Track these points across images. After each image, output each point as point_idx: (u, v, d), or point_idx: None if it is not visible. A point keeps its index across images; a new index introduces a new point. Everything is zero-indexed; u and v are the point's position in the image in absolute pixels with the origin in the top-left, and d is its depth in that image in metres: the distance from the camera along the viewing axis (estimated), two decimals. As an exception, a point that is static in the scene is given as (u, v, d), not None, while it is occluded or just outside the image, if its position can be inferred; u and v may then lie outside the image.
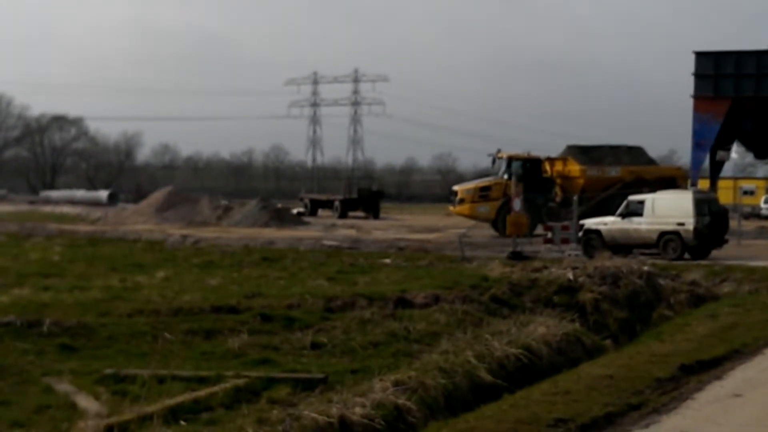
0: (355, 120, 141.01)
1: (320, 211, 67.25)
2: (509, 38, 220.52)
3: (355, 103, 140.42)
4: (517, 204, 30.88)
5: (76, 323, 14.00)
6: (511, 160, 42.61)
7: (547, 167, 43.24)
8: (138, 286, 19.44)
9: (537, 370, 13.49)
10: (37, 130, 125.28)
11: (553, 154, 44.64)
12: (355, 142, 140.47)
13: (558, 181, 43.09)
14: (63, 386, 10.66)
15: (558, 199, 42.67)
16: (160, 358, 12.19)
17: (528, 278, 21.26)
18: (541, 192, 41.47)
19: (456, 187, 45.08)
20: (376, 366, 11.98)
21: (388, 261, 27.33)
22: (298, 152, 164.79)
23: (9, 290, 17.94)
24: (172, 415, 9.43)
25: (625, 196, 37.29)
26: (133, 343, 13.31)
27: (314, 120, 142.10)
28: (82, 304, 16.13)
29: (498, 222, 39.96)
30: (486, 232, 41.12)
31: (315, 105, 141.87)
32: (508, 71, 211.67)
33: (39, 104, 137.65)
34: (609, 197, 39.48)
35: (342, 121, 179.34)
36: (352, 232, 43.55)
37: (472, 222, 45.42)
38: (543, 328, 15.21)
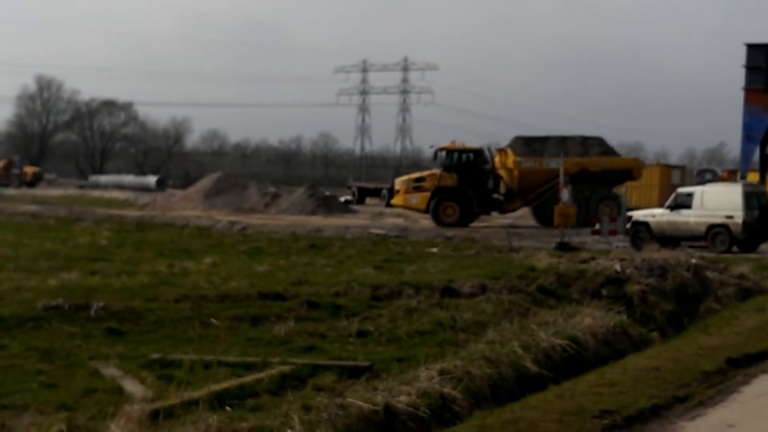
0: (404, 108, 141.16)
1: (368, 200, 67.41)
2: (557, 30, 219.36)
3: (404, 92, 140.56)
4: (564, 195, 30.71)
5: (124, 308, 14.11)
6: (447, 152, 42.86)
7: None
8: (185, 271, 19.55)
9: (583, 362, 13.41)
10: (86, 114, 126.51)
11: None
12: (404, 130, 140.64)
13: (501, 173, 43.10)
14: (110, 370, 10.75)
15: (503, 190, 42.97)
16: (206, 344, 12.29)
17: (575, 269, 21.12)
18: (477, 184, 41.54)
19: (396, 180, 45.73)
20: (421, 355, 11.96)
21: (435, 250, 27.30)
22: (347, 140, 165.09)
23: (57, 274, 18.13)
24: (218, 400, 9.46)
25: (575, 188, 36.97)
26: (179, 329, 13.38)
27: (363, 108, 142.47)
28: (130, 289, 16.26)
29: (429, 211, 41.24)
30: (533, 222, 41.03)
31: (364, 93, 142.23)
32: (556, 63, 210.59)
33: (89, 89, 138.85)
34: (551, 189, 39.29)
35: (391, 110, 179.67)
36: (399, 221, 43.54)
37: (520, 212, 45.40)
38: (589, 319, 15.11)
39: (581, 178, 39.92)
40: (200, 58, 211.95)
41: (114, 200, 64.56)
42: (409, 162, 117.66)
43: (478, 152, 43.06)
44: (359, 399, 9.43)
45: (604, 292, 19.35)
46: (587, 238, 30.93)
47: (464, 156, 42.65)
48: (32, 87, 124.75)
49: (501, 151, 44.04)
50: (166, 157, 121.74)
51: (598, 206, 39.76)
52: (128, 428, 7.96)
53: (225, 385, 10.10)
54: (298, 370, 11.08)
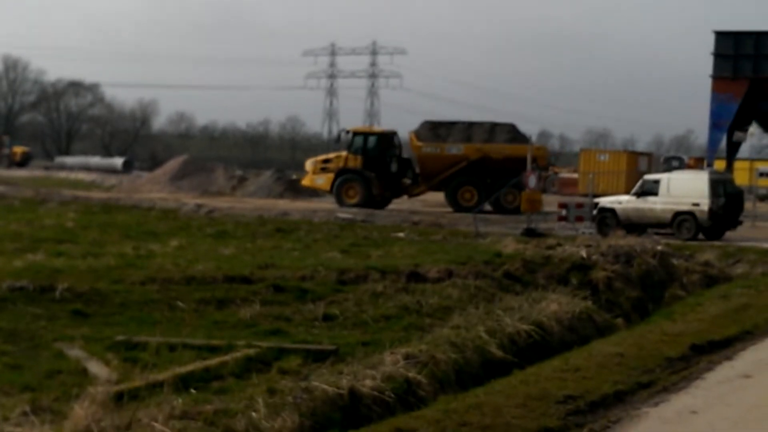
0: (372, 92, 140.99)
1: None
2: (524, 13, 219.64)
3: (372, 76, 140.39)
4: (531, 181, 30.88)
5: (89, 289, 14.03)
6: (353, 134, 43.49)
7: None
8: (151, 254, 19.45)
9: (548, 347, 13.49)
10: (53, 95, 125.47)
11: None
12: (372, 114, 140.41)
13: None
14: (74, 352, 10.71)
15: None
16: (171, 326, 12.26)
17: (541, 255, 21.19)
18: (380, 167, 42.07)
19: (307, 161, 46.47)
20: (387, 339, 11.99)
21: (401, 235, 27.34)
22: (315, 124, 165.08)
23: (23, 255, 17.97)
24: (183, 383, 9.46)
25: (471, 174, 39.76)
26: (145, 311, 13.35)
27: (331, 91, 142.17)
28: (95, 271, 16.15)
29: (333, 192, 42.08)
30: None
31: (332, 77, 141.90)
32: (523, 46, 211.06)
33: (55, 69, 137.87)
34: (454, 174, 40.64)
35: (359, 94, 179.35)
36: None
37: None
38: (555, 305, 15.19)
39: (484, 165, 40.79)
40: (167, 39, 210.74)
41: (80, 182, 64.10)
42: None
43: (384, 136, 43.58)
44: (324, 382, 9.45)
45: (573, 279, 19.44)
46: (554, 224, 31.06)
47: (370, 139, 43.10)
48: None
49: (411, 135, 44.42)
50: (133, 139, 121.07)
51: (500, 193, 40.19)
52: (92, 410, 7.91)
53: (190, 367, 10.10)
54: (264, 354, 11.09)
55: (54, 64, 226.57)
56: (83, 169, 79.99)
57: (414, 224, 32.25)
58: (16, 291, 13.59)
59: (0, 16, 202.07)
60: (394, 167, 42.60)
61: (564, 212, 31.29)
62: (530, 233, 27.76)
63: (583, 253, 21.30)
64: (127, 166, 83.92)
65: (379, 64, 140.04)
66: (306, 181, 44.93)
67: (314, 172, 43.75)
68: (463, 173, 41.20)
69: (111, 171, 78.03)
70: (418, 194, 43.49)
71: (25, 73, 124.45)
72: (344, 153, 42.80)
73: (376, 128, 44.94)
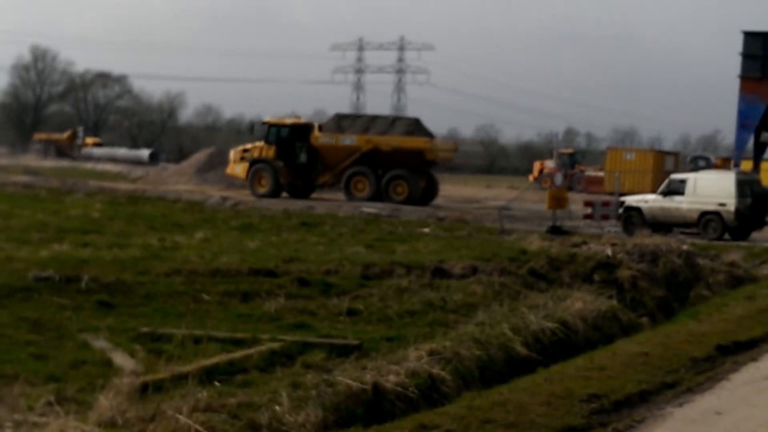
0: (399, 88, 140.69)
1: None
2: (552, 10, 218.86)
3: (400, 71, 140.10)
4: (557, 178, 30.82)
5: (115, 281, 14.09)
6: (268, 125, 44.75)
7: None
8: (176, 245, 19.50)
9: (572, 345, 13.45)
10: (80, 86, 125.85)
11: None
12: (399, 109, 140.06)
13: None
14: (99, 343, 10.74)
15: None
16: (196, 319, 12.26)
17: (566, 253, 21.13)
18: (288, 157, 43.24)
19: (231, 150, 48.31)
20: (411, 335, 11.97)
21: (426, 230, 27.32)
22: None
23: (49, 245, 18.06)
24: (207, 375, 9.47)
25: (364, 165, 41.01)
26: (170, 303, 13.37)
27: (358, 86, 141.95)
28: (121, 262, 16.21)
29: (248, 180, 43.50)
30: (527, 205, 41.08)
31: (359, 71, 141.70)
32: (553, 44, 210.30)
33: (83, 60, 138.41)
34: (349, 165, 41.90)
35: (386, 89, 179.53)
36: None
37: (512, 194, 45.59)
38: (580, 303, 15.13)
39: (376, 157, 41.74)
40: (195, 32, 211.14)
41: (107, 173, 64.35)
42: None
43: (296, 127, 44.39)
44: (348, 377, 9.44)
45: (596, 277, 19.36)
46: (579, 222, 30.96)
47: (282, 130, 44.14)
48: (27, 57, 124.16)
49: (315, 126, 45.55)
50: (160, 130, 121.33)
51: (389, 185, 41.32)
52: (117, 401, 7.94)
53: (214, 360, 10.11)
54: (288, 347, 11.09)
55: (82, 55, 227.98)
56: (110, 160, 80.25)
57: (439, 220, 32.23)
58: (41, 281, 13.65)
59: (29, 7, 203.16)
60: (303, 157, 43.53)
61: (590, 210, 31.19)
62: (555, 231, 27.70)
63: (609, 252, 21.22)
64: (154, 158, 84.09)
65: (407, 59, 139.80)
66: (228, 169, 46.44)
67: (235, 161, 45.38)
68: (357, 164, 42.26)
69: (137, 162, 78.25)
70: (323, 184, 44.25)
71: (53, 63, 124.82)
72: (261, 143, 44.21)
73: (288, 120, 45.75)
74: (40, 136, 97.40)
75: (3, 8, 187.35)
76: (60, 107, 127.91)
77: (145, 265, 15.89)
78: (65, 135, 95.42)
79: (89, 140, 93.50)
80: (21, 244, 17.93)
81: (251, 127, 48.65)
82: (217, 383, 9.30)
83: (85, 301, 12.90)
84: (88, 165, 74.89)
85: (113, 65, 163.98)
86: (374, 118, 44.73)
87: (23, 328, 11.18)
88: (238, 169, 44.82)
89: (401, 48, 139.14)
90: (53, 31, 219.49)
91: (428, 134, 44.27)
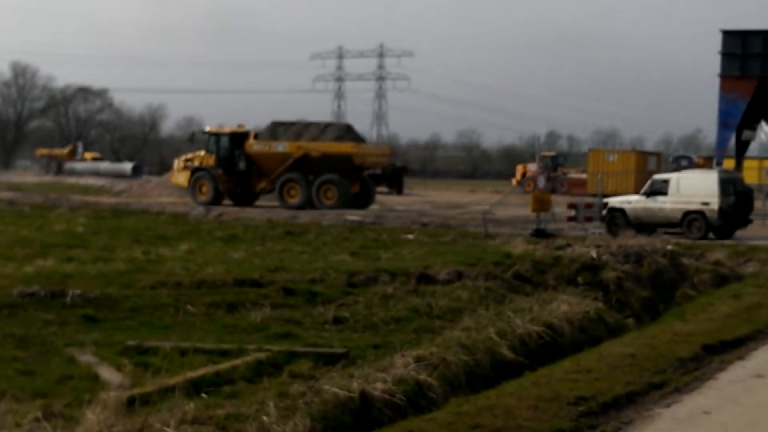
0: (380, 95, 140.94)
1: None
2: (531, 13, 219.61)
3: (380, 78, 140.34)
4: (540, 181, 30.89)
5: (100, 294, 14.05)
6: (209, 134, 45.90)
7: None
8: (161, 258, 19.48)
9: (559, 348, 13.47)
10: (62, 101, 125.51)
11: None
12: (380, 117, 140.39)
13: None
14: (86, 357, 10.72)
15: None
16: (182, 331, 12.26)
17: (551, 256, 21.16)
18: (228, 165, 44.06)
19: (175, 159, 50.14)
20: (397, 341, 11.99)
21: (411, 237, 27.33)
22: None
23: (33, 261, 18.02)
24: (194, 387, 9.46)
25: (296, 171, 41.89)
26: (155, 315, 13.36)
27: (339, 94, 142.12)
28: (106, 276, 16.18)
29: (189, 188, 44.45)
30: (510, 209, 41.19)
31: (340, 80, 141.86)
32: (531, 47, 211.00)
33: (64, 76, 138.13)
34: (282, 171, 42.64)
35: (367, 96, 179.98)
36: (375, 208, 43.58)
37: (496, 198, 45.70)
38: (565, 305, 15.16)
39: (307, 163, 42.48)
40: (174, 44, 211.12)
41: (90, 187, 64.21)
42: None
43: (235, 135, 44.90)
44: (335, 386, 9.44)
45: (580, 279, 19.41)
46: (563, 225, 31.02)
47: (222, 138, 44.92)
48: (7, 73, 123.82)
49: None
50: (142, 143, 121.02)
51: (319, 190, 42.08)
52: (104, 415, 7.92)
53: (201, 372, 10.10)
54: (274, 357, 11.08)
55: (63, 71, 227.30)
56: (93, 174, 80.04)
57: (423, 226, 32.25)
58: (27, 297, 13.62)
59: (9, 23, 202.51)
60: (242, 165, 44.07)
61: (573, 212, 31.27)
62: (540, 234, 27.74)
63: (593, 254, 21.27)
64: (137, 171, 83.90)
65: (387, 66, 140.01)
66: (172, 178, 47.79)
67: (178, 170, 46.59)
68: (289, 170, 42.89)
69: (120, 176, 78.03)
70: (260, 190, 44.77)
71: (34, 79, 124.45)
72: (202, 152, 45.21)
73: (227, 128, 46.44)
74: (42, 152, 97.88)
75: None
76: (41, 123, 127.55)
77: (130, 279, 15.86)
78: (66, 150, 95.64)
79: (88, 155, 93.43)
80: (5, 261, 17.88)
81: (191, 136, 49.71)
82: (204, 395, 9.30)
83: (70, 316, 12.87)
84: (72, 179, 74.67)
85: (94, 79, 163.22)
86: (308, 125, 45.42)
87: (9, 344, 11.16)
88: (180, 177, 45.86)
89: (381, 55, 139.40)
90: (33, 48, 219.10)
91: (359, 139, 45.20)
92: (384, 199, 50.07)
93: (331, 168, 41.84)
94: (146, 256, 19.68)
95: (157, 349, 11.03)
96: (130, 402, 8.64)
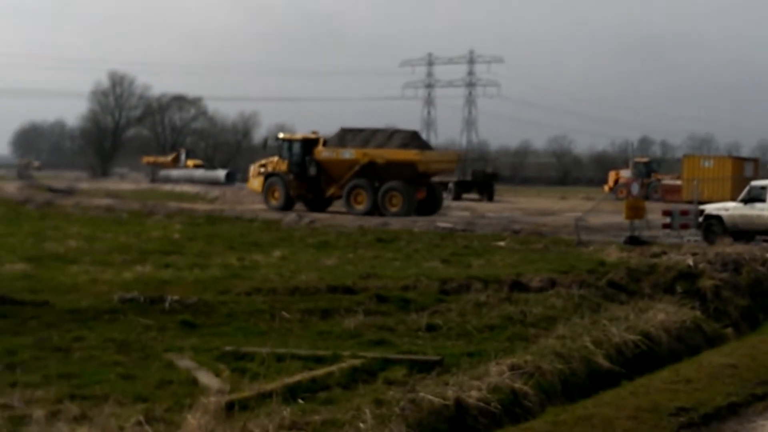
0: (470, 101, 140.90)
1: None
2: (623, 18, 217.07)
3: (470, 85, 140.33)
4: (634, 188, 30.46)
5: (197, 300, 14.27)
6: (282, 140, 46.55)
7: None
8: (255, 264, 19.70)
9: (656, 358, 13.29)
10: (157, 109, 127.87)
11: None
12: (470, 123, 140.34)
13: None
14: (184, 362, 10.87)
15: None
16: (277, 337, 12.36)
17: (646, 264, 20.90)
18: (299, 170, 44.53)
19: (251, 165, 50.49)
20: (491, 349, 11.93)
21: (502, 244, 27.18)
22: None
23: (132, 267, 18.39)
24: (291, 393, 9.52)
25: (362, 178, 41.87)
26: (251, 321, 13.50)
27: (428, 101, 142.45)
28: (202, 282, 16.43)
29: (262, 194, 45.54)
30: (603, 216, 40.77)
31: (429, 86, 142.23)
32: (622, 51, 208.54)
33: (159, 84, 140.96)
34: (350, 178, 42.70)
35: (456, 103, 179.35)
36: (466, 214, 43.47)
37: (587, 205, 45.27)
38: (662, 314, 14.96)
39: (373, 169, 42.42)
40: (266, 53, 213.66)
41: (185, 194, 65.14)
42: (475, 155, 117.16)
43: (306, 141, 45.30)
44: (430, 393, 9.44)
45: (679, 287, 19.11)
46: (658, 232, 30.57)
47: (293, 145, 45.39)
48: (105, 83, 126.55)
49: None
50: (235, 151, 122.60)
51: (384, 197, 42.00)
52: (205, 420, 8.04)
53: (297, 378, 10.17)
54: (369, 364, 11.10)
55: (158, 80, 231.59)
56: (188, 181, 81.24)
57: (514, 233, 32.03)
58: (126, 302, 13.90)
59: (107, 34, 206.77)
60: (312, 171, 44.41)
61: (668, 220, 30.78)
62: (634, 241, 27.38)
63: (690, 262, 20.95)
64: (230, 178, 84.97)
65: (477, 72, 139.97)
66: (248, 184, 48.87)
67: (253, 176, 47.43)
68: (356, 176, 42.98)
69: (214, 183, 79.10)
70: (330, 196, 44.96)
71: (131, 88, 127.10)
72: (276, 158, 45.88)
73: (299, 135, 47.09)
74: (147, 159, 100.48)
75: (82, 37, 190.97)
76: (138, 131, 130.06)
77: (225, 285, 16.08)
78: (170, 158, 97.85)
79: (190, 162, 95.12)
80: (105, 267, 18.28)
81: (264, 142, 51.41)
82: (300, 401, 9.37)
83: (169, 322, 13.08)
84: (167, 187, 75.87)
85: (188, 88, 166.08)
86: (375, 132, 45.29)
87: (110, 349, 11.38)
88: (255, 183, 46.85)
89: (471, 61, 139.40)
90: (130, 57, 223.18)
91: (425, 146, 45.30)
92: (474, 206, 49.95)
93: (395, 175, 42.04)
94: (241, 263, 19.92)
95: (253, 355, 11.13)
96: (229, 407, 8.74)
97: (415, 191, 42.21)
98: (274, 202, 44.55)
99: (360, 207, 42.29)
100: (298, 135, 46.99)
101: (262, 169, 46.50)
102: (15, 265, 17.99)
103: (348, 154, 43.22)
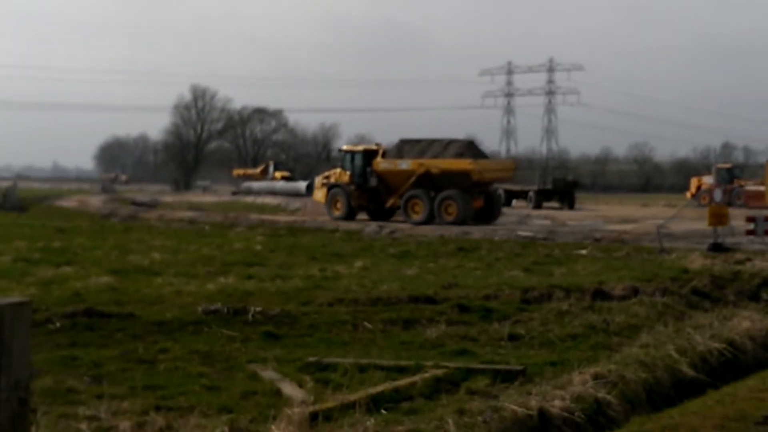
0: (550, 109, 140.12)
1: (514, 202, 67.04)
2: (704, 24, 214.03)
3: (550, 93, 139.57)
4: (717, 194, 30.07)
5: (280, 312, 14.42)
6: (344, 152, 47.64)
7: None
8: (337, 275, 19.84)
9: (741, 366, 13.08)
10: (239, 122, 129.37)
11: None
12: (550, 131, 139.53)
13: None
14: (268, 373, 10.98)
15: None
16: (360, 347, 12.44)
17: (730, 271, 20.60)
18: (360, 181, 45.46)
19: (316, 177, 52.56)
20: (574, 358, 11.86)
21: (584, 252, 27.01)
22: (492, 142, 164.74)
23: (215, 278, 18.65)
24: (374, 403, 9.57)
25: (419, 188, 42.58)
26: (334, 332, 13.59)
27: (508, 110, 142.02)
28: (285, 293, 16.60)
29: (326, 203, 46.44)
30: (685, 223, 40.23)
31: (509, 95, 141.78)
32: (703, 57, 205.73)
33: (240, 97, 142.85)
34: (408, 188, 43.08)
35: (536, 111, 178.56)
36: (546, 223, 43.26)
37: (671, 212, 44.76)
38: (747, 322, 14.72)
39: (429, 179, 42.81)
40: (345, 64, 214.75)
41: (266, 206, 65.79)
42: (555, 163, 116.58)
43: (366, 153, 46.04)
44: (513, 403, 9.42)
45: (765, 295, 18.81)
46: (742, 239, 30.09)
47: (355, 156, 46.18)
48: (187, 96, 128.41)
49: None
50: (316, 162, 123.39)
51: (440, 206, 42.22)
52: (289, 431, 8.13)
53: (380, 388, 10.20)
54: (452, 374, 11.10)
55: (239, 93, 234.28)
56: (269, 193, 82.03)
57: (596, 241, 31.78)
58: (210, 314, 14.10)
59: (188, 48, 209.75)
60: (373, 181, 45.15)
61: (752, 226, 30.28)
62: (717, 248, 26.99)
63: (775, 268, 20.59)
64: (311, 190, 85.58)
65: (556, 80, 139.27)
66: (314, 195, 50.48)
67: (317, 188, 48.61)
68: (413, 186, 43.39)
69: (295, 194, 79.73)
70: (390, 206, 45.36)
71: (212, 101, 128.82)
72: (339, 170, 46.74)
73: (361, 147, 48.13)
74: (238, 172, 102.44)
75: (164, 51, 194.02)
76: (219, 144, 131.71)
77: (308, 296, 16.23)
78: (258, 170, 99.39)
79: (278, 174, 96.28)
80: (189, 278, 18.56)
81: (328, 154, 53.46)
82: (384, 411, 9.41)
83: (252, 333, 13.24)
84: (249, 199, 76.70)
85: (269, 100, 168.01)
86: (432, 142, 45.67)
87: (195, 360, 11.54)
88: (319, 194, 47.91)
89: (550, 70, 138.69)
90: (212, 70, 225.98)
91: (481, 155, 45.45)
92: (555, 214, 49.63)
93: (451, 184, 42.44)
94: (323, 273, 20.08)
95: (336, 366, 11.21)
96: (313, 417, 8.81)
97: (471, 199, 42.63)
98: (336, 213, 45.44)
99: (417, 216, 42.76)
100: (360, 147, 48.03)
101: (326, 181, 47.60)
102: (100, 278, 18.35)
103: (405, 164, 43.81)
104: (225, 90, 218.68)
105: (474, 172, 42.46)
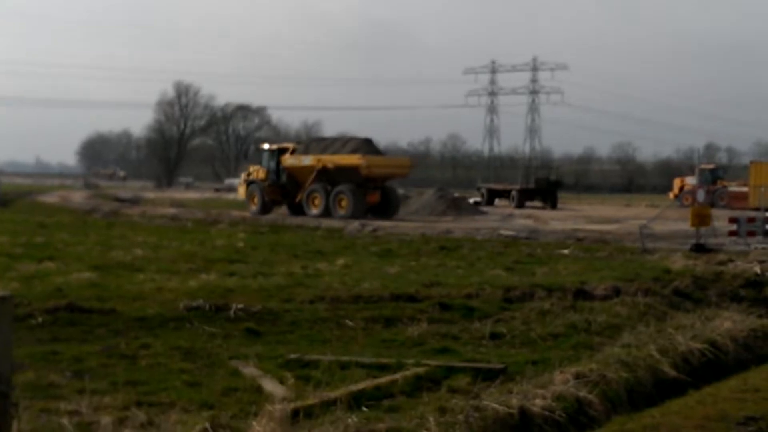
0: (533, 109, 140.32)
1: (497, 201, 67.19)
2: (687, 23, 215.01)
3: (533, 92, 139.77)
4: (700, 195, 30.18)
5: (261, 309, 14.39)
6: (261, 150, 50.68)
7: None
8: (319, 273, 19.82)
9: (723, 366, 13.13)
10: (222, 119, 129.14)
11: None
12: (533, 131, 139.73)
13: None
14: (249, 370, 10.95)
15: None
16: (341, 345, 12.44)
17: (712, 271, 20.67)
18: (273, 177, 47.78)
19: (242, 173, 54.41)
20: (555, 358, 11.86)
21: (566, 252, 27.03)
22: (475, 141, 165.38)
23: (197, 275, 18.59)
24: (355, 400, 9.55)
25: (319, 183, 44.71)
26: (315, 329, 13.58)
27: (491, 109, 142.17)
28: (266, 290, 16.57)
29: (245, 199, 49.23)
30: (668, 224, 40.38)
31: (492, 94, 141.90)
32: (687, 57, 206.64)
33: (224, 94, 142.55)
34: (310, 182, 45.50)
35: (519, 110, 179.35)
36: (529, 222, 43.31)
37: (653, 212, 44.87)
38: (729, 322, 14.78)
39: (326, 175, 45.19)
40: (328, 62, 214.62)
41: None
42: (538, 162, 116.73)
43: (280, 151, 48.54)
44: (494, 402, 9.42)
45: (744, 294, 18.87)
46: (724, 240, 30.19)
47: (270, 153, 48.69)
48: (171, 93, 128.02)
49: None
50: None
51: (335, 199, 44.45)
52: (270, 427, 8.10)
53: (361, 385, 10.19)
54: (433, 372, 11.11)
55: (223, 90, 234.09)
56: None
57: (578, 240, 31.82)
58: (192, 310, 14.06)
59: (172, 45, 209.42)
60: (284, 178, 47.52)
61: (735, 227, 30.37)
62: (700, 249, 27.06)
63: (757, 269, 20.69)
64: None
65: (540, 80, 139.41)
66: (237, 191, 53.54)
67: (240, 184, 51.64)
68: (314, 181, 45.79)
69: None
70: (299, 201, 47.15)
71: (196, 98, 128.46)
72: (258, 167, 49.13)
73: (274, 145, 50.57)
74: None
75: (148, 49, 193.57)
76: (202, 141, 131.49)
77: (289, 293, 16.19)
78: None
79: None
80: (171, 275, 18.50)
81: (245, 152, 56.25)
82: (364, 408, 9.39)
83: (234, 329, 13.21)
84: (230, 196, 76.59)
85: (252, 97, 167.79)
86: (335, 140, 48.47)
87: (177, 356, 11.50)
88: (241, 190, 50.78)
89: (534, 69, 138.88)
90: (195, 67, 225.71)
91: (375, 152, 47.56)
92: (538, 214, 49.71)
93: (344, 179, 44.48)
94: (304, 271, 20.04)
95: (317, 363, 11.19)
96: (294, 414, 8.79)
97: (364, 195, 44.47)
98: (253, 207, 47.96)
99: (315, 210, 45.02)
100: (274, 145, 50.31)
101: (247, 178, 49.86)
102: (82, 274, 18.28)
103: (307, 160, 46.14)
104: (208, 87, 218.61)
105: (363, 168, 44.12)
